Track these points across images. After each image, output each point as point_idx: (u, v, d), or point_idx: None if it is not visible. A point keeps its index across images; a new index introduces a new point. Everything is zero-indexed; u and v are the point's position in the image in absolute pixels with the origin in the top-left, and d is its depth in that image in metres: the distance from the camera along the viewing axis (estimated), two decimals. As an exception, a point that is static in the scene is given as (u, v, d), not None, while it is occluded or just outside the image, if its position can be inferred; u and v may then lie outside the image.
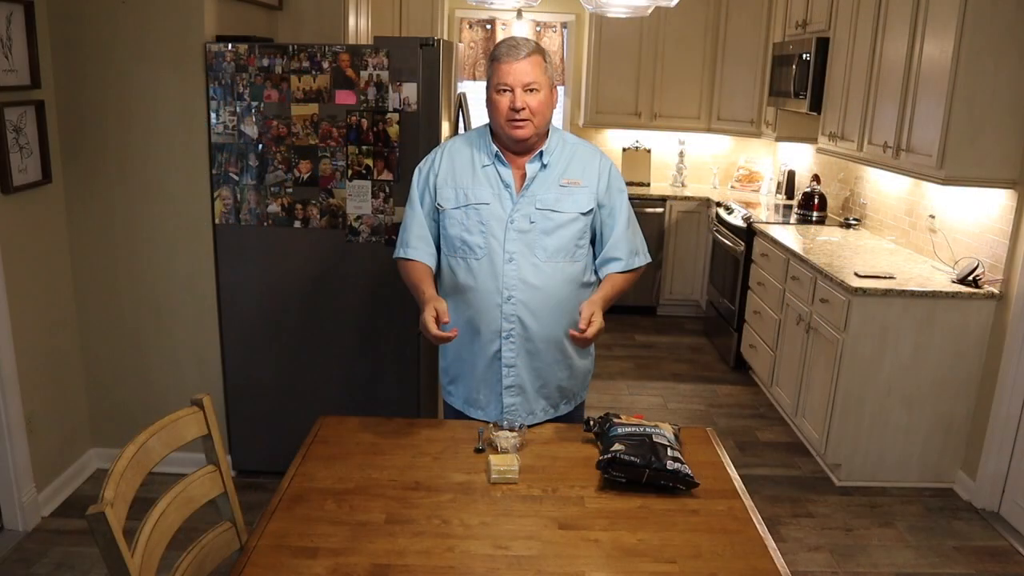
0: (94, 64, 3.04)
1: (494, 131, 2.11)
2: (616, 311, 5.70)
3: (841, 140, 4.20)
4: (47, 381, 3.13)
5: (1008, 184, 3.27)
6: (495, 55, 2.03)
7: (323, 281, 3.22)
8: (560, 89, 6.32)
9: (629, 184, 6.06)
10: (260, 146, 3.09)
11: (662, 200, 5.81)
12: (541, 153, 2.09)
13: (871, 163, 3.91)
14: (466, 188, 2.09)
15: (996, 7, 3.08)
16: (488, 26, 6.22)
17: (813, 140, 4.92)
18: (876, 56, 3.82)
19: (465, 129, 3.78)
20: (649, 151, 6.24)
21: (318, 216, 3.15)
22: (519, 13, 6.07)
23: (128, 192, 3.16)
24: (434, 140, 3.04)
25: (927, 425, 3.49)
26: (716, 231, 5.41)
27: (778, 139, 5.38)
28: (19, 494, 2.96)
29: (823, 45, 4.43)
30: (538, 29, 6.22)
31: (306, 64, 3.00)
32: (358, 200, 3.13)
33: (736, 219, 5.00)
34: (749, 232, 4.74)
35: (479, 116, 2.58)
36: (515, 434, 1.95)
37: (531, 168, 2.09)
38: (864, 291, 3.34)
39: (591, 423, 2.04)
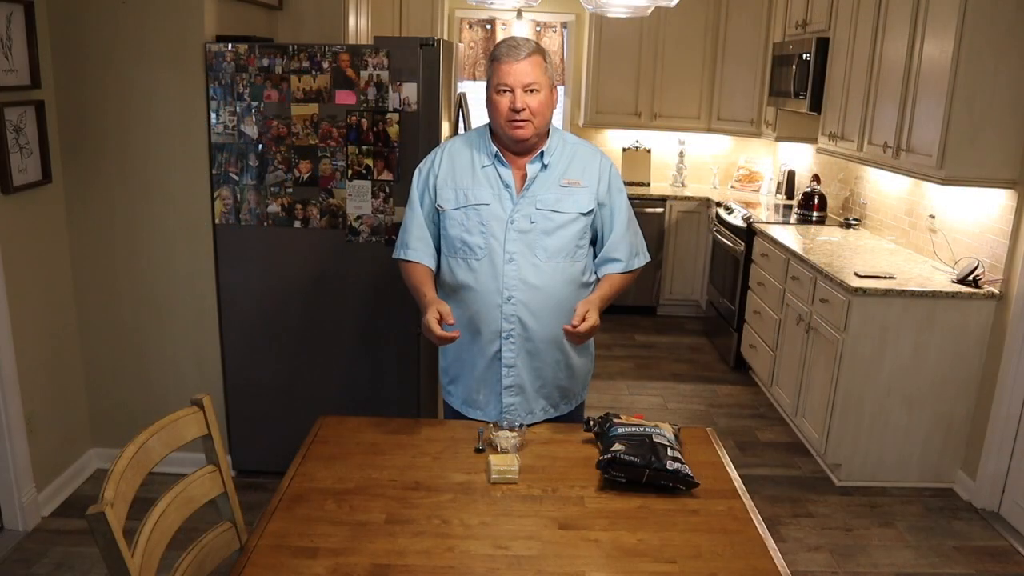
0: (94, 64, 3.04)
1: (494, 131, 2.11)
2: (616, 311, 5.75)
3: (841, 140, 4.20)
4: (47, 381, 3.14)
5: (1008, 184, 3.27)
6: (495, 55, 2.03)
7: (323, 281, 3.22)
8: (560, 89, 6.32)
9: (629, 184, 6.07)
10: (260, 146, 3.09)
11: (662, 200, 5.81)
12: (542, 153, 2.09)
13: (871, 163, 3.91)
14: (466, 189, 2.09)
15: (996, 7, 3.08)
16: (488, 26, 6.22)
17: (813, 140, 4.92)
18: (876, 56, 3.82)
19: (465, 129, 3.78)
20: (649, 151, 6.24)
21: (318, 216, 3.15)
22: (519, 13, 6.07)
23: (128, 192, 3.16)
24: (434, 140, 3.04)
25: (927, 425, 3.49)
26: (716, 231, 5.41)
27: (778, 139, 5.38)
28: (19, 494, 2.96)
29: (823, 45, 4.43)
30: (538, 29, 6.22)
31: (306, 64, 3.00)
32: (358, 200, 3.13)
33: (736, 219, 5.00)
34: (749, 232, 4.74)
35: (479, 116, 2.58)
36: (515, 434, 1.95)
37: (532, 168, 2.09)
38: (864, 291, 3.34)
39: (591, 423, 2.04)
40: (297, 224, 3.16)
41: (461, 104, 3.74)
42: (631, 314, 5.94)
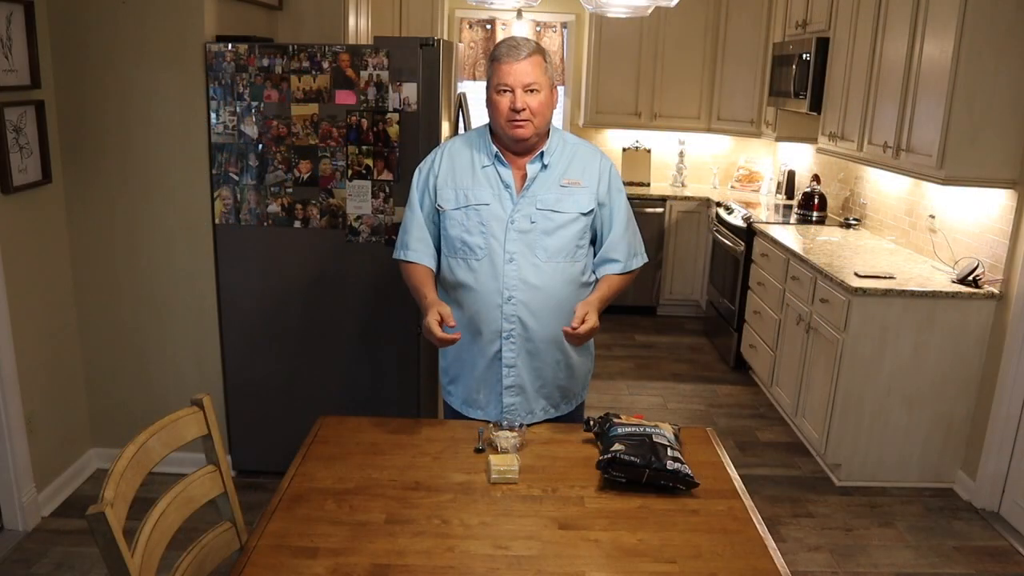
0: (94, 64, 3.04)
1: (494, 131, 2.11)
2: (616, 311, 5.75)
3: (841, 140, 4.20)
4: (47, 381, 3.14)
5: (1008, 184, 3.27)
6: (495, 55, 2.03)
7: (323, 281, 3.22)
8: (560, 89, 6.32)
9: (629, 184, 6.07)
10: (260, 146, 3.09)
11: (662, 200, 5.81)
12: (542, 153, 2.09)
13: (871, 163, 3.91)
14: (466, 189, 2.09)
15: (996, 7, 3.08)
16: (488, 26, 6.22)
17: (813, 140, 4.92)
18: (876, 56, 3.82)
19: (465, 129, 3.78)
20: (649, 151, 6.24)
21: (318, 216, 3.15)
22: (519, 13, 6.07)
23: (128, 192, 3.17)
24: (434, 140, 3.04)
25: (927, 425, 3.49)
26: (716, 231, 5.41)
27: (778, 139, 5.38)
28: (19, 494, 2.96)
29: (823, 45, 4.43)
30: (538, 29, 6.22)
31: (306, 64, 3.00)
32: (358, 200, 3.13)
33: (736, 219, 5.00)
34: (749, 232, 4.74)
35: (479, 116, 2.58)
36: (515, 434, 1.95)
37: (532, 168, 2.09)
38: (864, 291, 3.34)
39: (591, 423, 2.04)
40: (297, 224, 3.16)
41: (461, 104, 3.74)
42: (631, 314, 5.94)
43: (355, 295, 3.23)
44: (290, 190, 3.13)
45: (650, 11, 3.77)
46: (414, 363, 3.28)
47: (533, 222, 2.06)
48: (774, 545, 1.64)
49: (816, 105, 4.51)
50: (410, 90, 3.01)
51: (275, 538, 1.61)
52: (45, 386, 3.12)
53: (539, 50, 2.03)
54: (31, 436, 3.01)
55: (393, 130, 3.05)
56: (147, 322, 3.30)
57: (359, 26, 4.21)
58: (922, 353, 3.41)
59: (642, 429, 1.91)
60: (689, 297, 5.97)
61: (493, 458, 1.86)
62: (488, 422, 2.07)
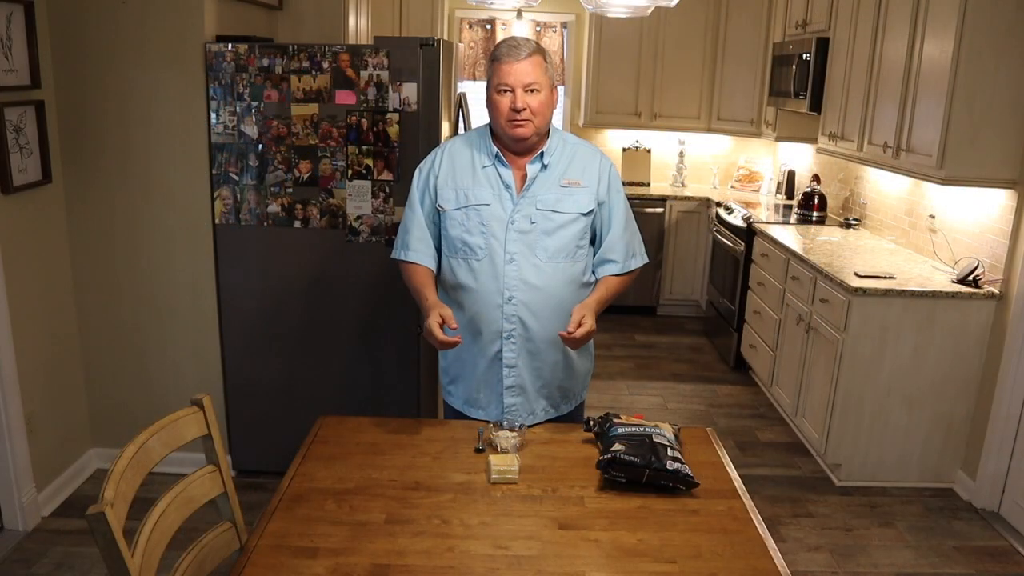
0: (94, 64, 3.04)
1: (494, 131, 2.11)
2: (616, 311, 5.75)
3: (841, 140, 4.20)
4: (47, 381, 3.14)
5: (1008, 184, 3.27)
6: (496, 55, 2.03)
7: (323, 281, 3.22)
8: (560, 89, 6.32)
9: (629, 184, 6.08)
10: (260, 146, 3.09)
11: (662, 200, 5.81)
12: (542, 154, 2.09)
13: (871, 163, 3.91)
14: (466, 189, 2.09)
15: (996, 7, 3.08)
16: (488, 26, 6.22)
17: (813, 140, 4.92)
18: (876, 56, 3.82)
19: (465, 129, 3.78)
20: (649, 151, 6.24)
21: (318, 216, 3.15)
22: (519, 13, 6.07)
23: (128, 192, 3.17)
24: (434, 140, 3.04)
25: (927, 425, 3.49)
26: (716, 231, 5.41)
27: (778, 139, 5.38)
28: (19, 494, 2.96)
29: (823, 45, 4.43)
30: (538, 29, 6.22)
31: (306, 64, 3.00)
32: (358, 200, 3.13)
33: (736, 219, 5.00)
34: (749, 232, 4.74)
35: (479, 116, 2.58)
36: (515, 434, 1.95)
37: (532, 169, 2.09)
38: (864, 291, 3.34)
39: (591, 423, 2.04)
40: (297, 224, 3.16)
41: (461, 104, 3.74)
42: (631, 314, 5.94)
43: (355, 295, 3.23)
44: (290, 190, 3.13)
45: (650, 11, 3.77)
46: (414, 363, 3.28)
47: (533, 222, 2.06)
48: (774, 545, 1.64)
49: (816, 105, 4.51)
50: (410, 90, 3.01)
51: (275, 538, 1.61)
52: (45, 386, 3.12)
53: (539, 50, 2.03)
54: (31, 436, 3.02)
55: (393, 130, 3.05)
56: (147, 322, 3.30)
57: (359, 26, 4.21)
58: (922, 353, 3.41)
59: (642, 429, 1.91)
60: (689, 297, 5.97)
61: (493, 458, 1.86)
62: (489, 422, 2.07)
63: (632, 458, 1.78)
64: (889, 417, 3.48)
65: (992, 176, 3.27)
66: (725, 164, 6.37)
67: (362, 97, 3.03)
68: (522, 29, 6.14)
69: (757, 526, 1.70)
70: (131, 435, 1.65)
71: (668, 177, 6.34)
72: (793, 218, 4.99)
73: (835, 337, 3.50)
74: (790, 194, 5.62)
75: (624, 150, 6.24)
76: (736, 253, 4.91)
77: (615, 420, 1.98)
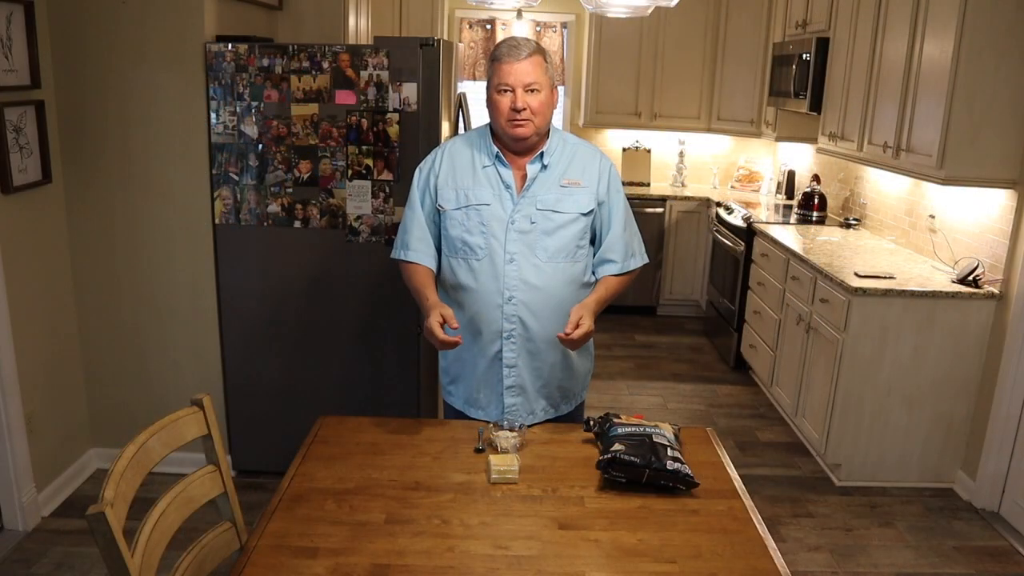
0: (94, 64, 3.04)
1: (494, 131, 2.11)
2: (616, 311, 5.76)
3: (841, 140, 4.20)
4: (47, 381, 3.13)
5: (1008, 184, 3.27)
6: (496, 55, 2.03)
7: (323, 281, 3.22)
8: (560, 89, 6.32)
9: (629, 184, 6.08)
10: (260, 146, 3.09)
11: (662, 200, 5.81)
12: (542, 154, 2.09)
13: (871, 163, 3.91)
14: (467, 189, 2.09)
15: (996, 7, 3.08)
16: (488, 26, 6.22)
17: (813, 140, 4.92)
18: (876, 56, 3.82)
19: (465, 129, 3.78)
20: (649, 151, 6.24)
21: (318, 216, 3.15)
22: (519, 13, 6.07)
23: (128, 192, 3.17)
24: (434, 140, 3.04)
25: (927, 425, 3.49)
26: (716, 231, 5.41)
27: (778, 139, 5.38)
28: (19, 494, 2.96)
29: (823, 45, 4.43)
30: (538, 29, 6.22)
31: (306, 64, 3.00)
32: (358, 200, 3.13)
33: (736, 219, 5.00)
34: (749, 232, 4.74)
35: (479, 116, 2.58)
36: (515, 434, 1.95)
37: (532, 169, 2.09)
38: (864, 291, 3.34)
39: (591, 423, 2.04)
40: (297, 224, 3.16)
41: (461, 104, 3.74)
42: (631, 314, 5.94)
43: (355, 295, 3.23)
44: (290, 190, 3.13)
45: (650, 11, 3.77)
46: (414, 363, 3.28)
47: (533, 222, 2.06)
48: (774, 545, 1.64)
49: (816, 105, 4.51)
50: (410, 90, 3.01)
51: (275, 538, 1.61)
52: (45, 386, 3.12)
53: (539, 50, 2.03)
54: (31, 436, 3.02)
55: (393, 130, 3.05)
56: (147, 322, 3.30)
57: (359, 26, 4.21)
58: (922, 353, 3.41)
59: (642, 429, 1.91)
60: (689, 297, 5.97)
61: (493, 458, 1.86)
62: (489, 422, 2.07)
63: (632, 458, 1.78)
64: (889, 417, 3.48)
65: (992, 176, 3.27)
66: (725, 164, 6.37)
67: (362, 97, 3.03)
68: (522, 29, 6.14)
69: (757, 526, 1.70)
70: (131, 435, 1.65)
71: (668, 177, 6.34)
72: (793, 218, 4.99)
73: (835, 337, 3.50)
74: (790, 194, 5.62)
75: (624, 150, 6.24)
76: (736, 253, 4.91)
77: (615, 420, 1.98)
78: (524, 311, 2.08)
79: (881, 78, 3.77)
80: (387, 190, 3.11)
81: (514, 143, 2.07)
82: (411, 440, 2.03)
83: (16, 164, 2.85)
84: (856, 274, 3.51)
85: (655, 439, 1.85)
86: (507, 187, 2.08)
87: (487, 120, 2.14)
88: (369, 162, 3.09)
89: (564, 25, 6.24)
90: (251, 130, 3.07)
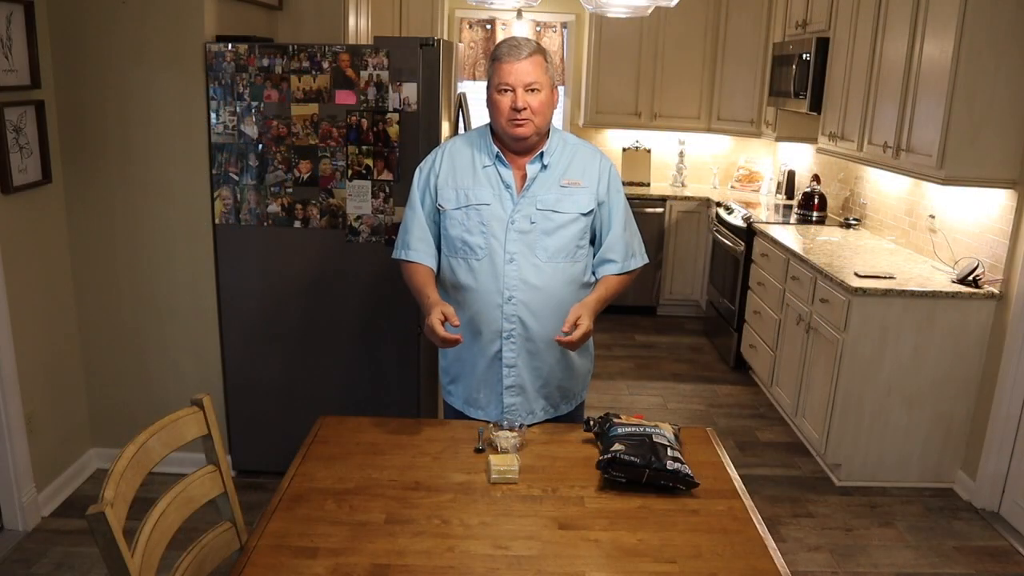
0: (94, 64, 3.04)
1: (495, 131, 2.11)
2: (616, 311, 5.76)
3: (841, 140, 4.20)
4: (47, 381, 3.14)
5: (1008, 184, 3.27)
6: (496, 55, 2.04)
7: (323, 281, 3.22)
8: (560, 89, 6.32)
9: (629, 184, 6.07)
10: (260, 146, 3.09)
11: (662, 200, 5.81)
12: (542, 154, 2.09)
13: (871, 163, 3.91)
14: (467, 189, 2.09)
15: (996, 7, 3.08)
16: (488, 26, 6.22)
17: (813, 140, 4.92)
18: (876, 56, 3.82)
19: (465, 129, 3.78)
20: (649, 151, 6.24)
21: (318, 216, 3.15)
22: (519, 13, 6.07)
23: (128, 192, 3.17)
24: (434, 140, 3.04)
25: (927, 425, 3.49)
26: (716, 231, 5.41)
27: (778, 139, 5.38)
28: (19, 494, 2.96)
29: (823, 45, 4.43)
30: (538, 29, 6.22)
31: (306, 64, 3.00)
32: (358, 200, 3.13)
33: (736, 219, 5.00)
34: (749, 232, 4.74)
35: (479, 116, 2.58)
36: (515, 434, 1.95)
37: (532, 169, 2.09)
38: (864, 291, 3.34)
39: (591, 423, 2.04)
40: (297, 224, 3.16)
41: (461, 104, 3.74)
42: (631, 314, 5.94)
43: (355, 295, 3.23)
44: (290, 190, 3.13)
45: (650, 11, 3.77)
46: (414, 363, 3.28)
47: (533, 222, 2.06)
48: (774, 545, 1.64)
49: (816, 105, 4.51)
50: (410, 90, 3.01)
51: (275, 538, 1.61)
52: (45, 386, 3.12)
53: (540, 50, 2.04)
54: (31, 436, 3.01)
55: (393, 130, 3.05)
56: (147, 322, 3.30)
57: (359, 26, 4.21)
58: (922, 353, 3.41)
59: (642, 429, 1.91)
60: (689, 297, 5.97)
61: (493, 458, 1.86)
62: (488, 422, 2.07)
63: (632, 458, 1.78)
64: (889, 417, 3.48)
65: (992, 176, 3.27)
66: (725, 164, 6.37)
67: (362, 97, 3.03)
68: (522, 29, 6.14)
69: (757, 526, 1.70)
70: (131, 435, 1.65)
71: (668, 177, 6.34)
72: (793, 218, 4.99)
73: (835, 337, 3.50)
74: (790, 194, 5.62)
75: (624, 150, 6.24)
76: (736, 253, 4.91)
77: (615, 420, 1.98)
78: (524, 311, 2.08)
79: (881, 78, 3.77)
80: (387, 190, 3.11)
81: (514, 143, 2.07)
82: (411, 440, 2.03)
83: (16, 164, 2.85)
84: (856, 274, 3.51)
85: (655, 439, 1.85)
86: (507, 187, 2.08)
87: (487, 120, 2.14)
88: (369, 162, 3.09)
89: (564, 25, 6.24)
90: (251, 130, 3.07)
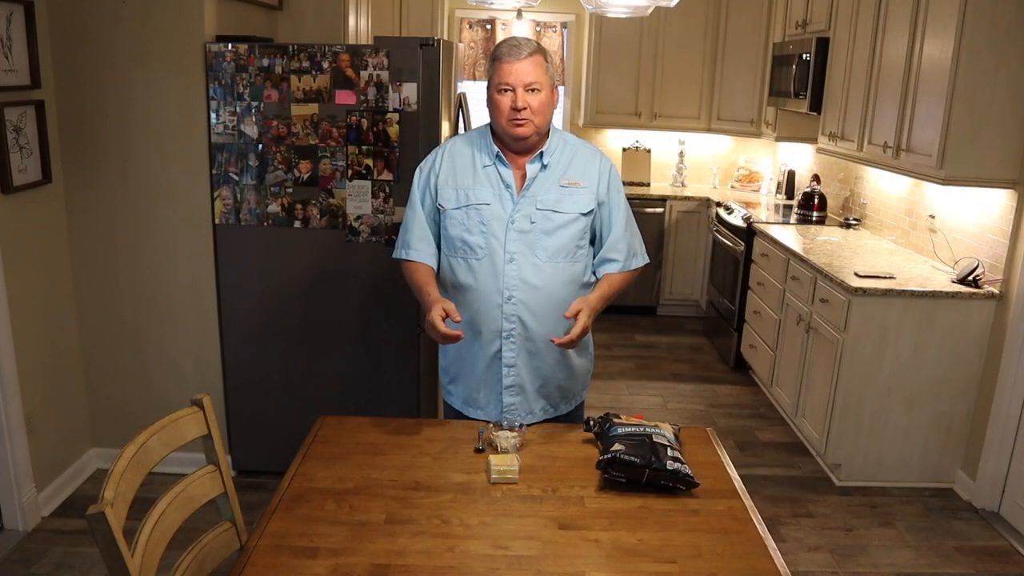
0: (94, 64, 3.04)
1: (495, 131, 2.11)
2: (616, 311, 5.76)
3: (841, 140, 4.20)
4: (47, 381, 3.14)
5: (1008, 184, 3.27)
6: (496, 55, 2.04)
7: (323, 281, 3.22)
8: (560, 89, 6.32)
9: (629, 184, 6.08)
10: (260, 146, 3.09)
11: (662, 200, 5.81)
12: (541, 153, 2.10)
13: (871, 163, 3.91)
14: (467, 188, 2.10)
15: (996, 7, 3.08)
16: (488, 26, 6.22)
17: (813, 140, 4.92)
18: (876, 56, 3.82)
19: (465, 129, 3.78)
20: (649, 151, 6.24)
21: (318, 216, 3.15)
22: (519, 13, 6.07)
23: (128, 192, 3.17)
24: (434, 140, 3.04)
25: (927, 425, 3.49)
26: (716, 231, 5.41)
27: (778, 139, 5.38)
28: (19, 494, 2.96)
29: (823, 45, 4.43)
30: (538, 29, 6.22)
31: (306, 64, 3.00)
32: (358, 200, 3.13)
33: (736, 219, 5.00)
34: (749, 232, 4.74)
35: (479, 116, 2.58)
36: (515, 434, 1.95)
37: (531, 168, 2.09)
38: (864, 291, 3.34)
39: (591, 423, 2.04)
40: (297, 224, 3.16)
41: (461, 104, 3.74)
42: (631, 314, 5.94)
43: (355, 295, 3.23)
44: (290, 190, 3.13)
45: (650, 11, 3.77)
46: (414, 363, 3.28)
47: (533, 222, 2.06)
48: (774, 545, 1.64)
49: (816, 105, 4.51)
50: (410, 90, 3.01)
51: (275, 538, 1.61)
52: (45, 386, 3.12)
53: (540, 50, 2.04)
54: (31, 436, 3.02)
55: (393, 130, 3.05)
56: (147, 322, 3.30)
57: (359, 26, 4.21)
58: (922, 353, 3.41)
59: (642, 429, 1.91)
60: (689, 297, 5.97)
61: (493, 458, 1.86)
62: (488, 422, 2.07)
63: (632, 458, 1.78)
64: (889, 417, 3.48)
65: (992, 176, 3.27)
66: (725, 164, 6.37)
67: (362, 97, 3.03)
68: (522, 29, 6.14)
69: (757, 526, 1.70)
70: (131, 435, 1.65)
71: (668, 177, 6.34)
72: (793, 218, 4.99)
73: (835, 337, 3.50)
74: (790, 194, 5.62)
75: (624, 150, 6.24)
76: (736, 253, 4.91)
77: (615, 420, 1.98)
78: (524, 311, 2.08)
79: (881, 78, 3.77)
80: (387, 190, 3.11)
81: (514, 143, 2.07)
82: (411, 440, 2.03)
83: (16, 164, 2.85)
84: (856, 274, 3.51)
85: (655, 439, 1.85)
86: (507, 187, 2.08)
87: (487, 120, 2.14)
88: (369, 162, 3.09)
89: (564, 25, 6.24)
90: (251, 130, 3.07)
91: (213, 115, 3.07)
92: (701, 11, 5.76)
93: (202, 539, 1.74)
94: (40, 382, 3.09)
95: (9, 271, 2.87)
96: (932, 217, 3.85)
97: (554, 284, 2.08)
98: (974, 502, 3.41)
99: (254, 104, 3.05)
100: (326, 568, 1.52)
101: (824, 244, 4.20)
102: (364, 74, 3.00)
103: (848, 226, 4.66)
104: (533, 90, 2.01)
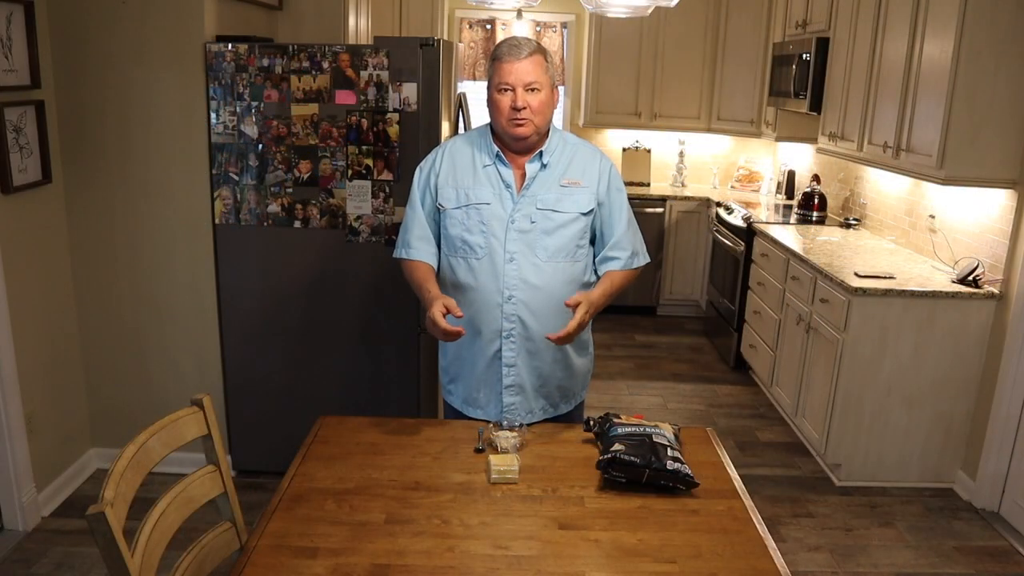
0: (94, 64, 3.04)
1: (495, 131, 2.11)
2: (616, 311, 5.77)
3: (841, 140, 4.20)
4: (47, 381, 3.14)
5: (1008, 184, 3.27)
6: (496, 54, 2.04)
7: (323, 281, 3.22)
8: (560, 89, 6.32)
9: (629, 184, 6.07)
10: (260, 146, 3.09)
11: (662, 200, 5.81)
12: (541, 153, 2.10)
13: (871, 163, 3.91)
14: (467, 188, 2.10)
15: (996, 7, 3.09)
16: (488, 26, 6.22)
17: (813, 140, 4.92)
18: (876, 56, 3.82)
19: (465, 129, 3.78)
20: (649, 151, 6.24)
21: (318, 216, 3.15)
22: (519, 13, 6.07)
23: (128, 192, 3.17)
24: (434, 140, 3.04)
25: (927, 425, 3.49)
26: (716, 231, 5.41)
27: (778, 139, 5.38)
28: (19, 494, 2.96)
29: (823, 45, 4.43)
30: (538, 29, 6.22)
31: (306, 64, 3.00)
32: (358, 200, 3.13)
33: (736, 219, 5.00)
34: (749, 232, 4.74)
35: (479, 116, 2.58)
36: (515, 434, 1.95)
37: (531, 168, 2.09)
38: (864, 291, 3.34)
39: (591, 423, 2.04)
40: (297, 224, 3.16)
41: (461, 104, 3.75)
42: (631, 314, 5.94)
43: (355, 295, 3.23)
44: (290, 190, 3.13)
45: (650, 11, 3.77)
46: (414, 363, 3.28)
47: (533, 222, 2.06)
48: (774, 545, 1.64)
49: (816, 105, 4.51)
50: (410, 90, 3.01)
51: (275, 538, 1.61)
52: (45, 386, 3.12)
53: (540, 50, 2.04)
54: (31, 436, 3.02)
55: (393, 130, 3.05)
56: (147, 322, 3.30)
57: (359, 26, 4.21)
58: (922, 353, 3.41)
59: (642, 429, 1.91)
60: (689, 297, 5.97)
61: (493, 458, 1.86)
62: (488, 422, 2.07)
63: (632, 458, 1.78)
64: (889, 417, 3.48)
65: (992, 176, 3.27)
66: (725, 164, 6.37)
67: (362, 97, 3.03)
68: (522, 29, 6.14)
69: (757, 526, 1.70)
70: (131, 435, 1.65)
71: (668, 177, 6.34)
72: (793, 218, 4.99)
73: (835, 337, 3.50)
74: (790, 194, 5.62)
75: (624, 150, 6.24)
76: (736, 253, 4.91)
77: (615, 420, 1.98)
78: (524, 310, 2.08)
79: (881, 78, 3.77)
80: (387, 190, 3.11)
81: (514, 142, 2.07)
82: (411, 440, 2.03)
83: (16, 164, 2.85)
84: (856, 274, 3.51)
85: (655, 439, 1.85)
86: (507, 186, 2.08)
87: (487, 120, 2.14)
88: (369, 162, 3.09)
89: (564, 25, 6.24)
90: (251, 130, 3.07)
91: (213, 115, 3.07)
92: (701, 11, 5.76)
93: (202, 539, 1.74)
94: (40, 382, 3.09)
95: (9, 271, 2.87)
96: (932, 217, 3.85)
97: (554, 284, 2.08)
98: (974, 502, 3.41)
99: (254, 104, 3.05)
100: (326, 568, 1.52)
101: (824, 244, 4.20)
102: (364, 74, 3.00)
103: (848, 226, 4.66)
104: (533, 90, 2.01)
